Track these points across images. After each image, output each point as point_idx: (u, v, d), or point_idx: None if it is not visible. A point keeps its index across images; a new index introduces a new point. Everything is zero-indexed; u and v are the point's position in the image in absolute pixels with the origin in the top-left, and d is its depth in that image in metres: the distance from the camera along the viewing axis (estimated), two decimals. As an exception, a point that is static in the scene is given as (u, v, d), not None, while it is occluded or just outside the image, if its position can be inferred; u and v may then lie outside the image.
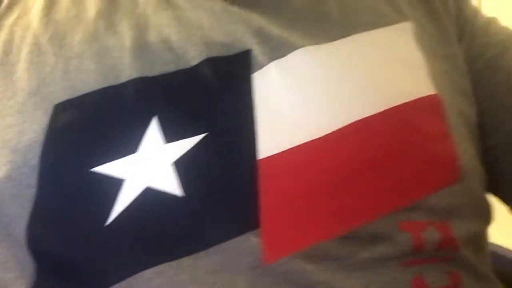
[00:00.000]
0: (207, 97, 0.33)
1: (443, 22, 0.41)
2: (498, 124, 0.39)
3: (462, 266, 0.33)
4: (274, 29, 0.36)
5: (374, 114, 0.33)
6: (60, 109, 0.33)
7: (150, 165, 0.31)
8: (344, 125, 0.33)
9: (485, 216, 0.38)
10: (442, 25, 0.41)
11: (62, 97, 0.33)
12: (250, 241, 0.29)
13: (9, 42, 0.37)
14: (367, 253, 0.30)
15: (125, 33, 0.36)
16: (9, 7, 0.39)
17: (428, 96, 0.36)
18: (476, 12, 0.44)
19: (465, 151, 0.36)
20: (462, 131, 0.37)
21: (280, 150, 0.32)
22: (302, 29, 0.37)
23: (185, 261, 0.29)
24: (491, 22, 0.44)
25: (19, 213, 0.31)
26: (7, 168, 0.32)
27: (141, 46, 0.35)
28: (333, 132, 0.32)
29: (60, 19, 0.37)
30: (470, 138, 0.37)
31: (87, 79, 0.34)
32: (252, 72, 0.34)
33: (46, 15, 0.38)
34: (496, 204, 0.40)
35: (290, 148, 0.32)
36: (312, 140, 0.32)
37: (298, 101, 0.33)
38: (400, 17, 0.40)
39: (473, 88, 0.40)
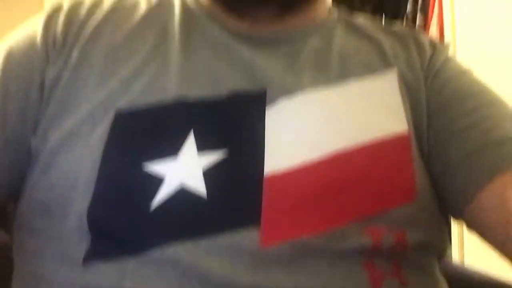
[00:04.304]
0: (231, 123, 0.44)
1: (417, 71, 0.51)
2: (440, 155, 0.47)
3: (407, 262, 0.43)
4: (286, 74, 0.47)
5: (354, 146, 0.44)
6: (121, 115, 0.43)
7: (185, 169, 0.41)
8: (329, 153, 0.43)
9: (437, 229, 0.47)
10: (416, 73, 0.51)
11: (124, 105, 0.43)
12: (252, 233, 0.39)
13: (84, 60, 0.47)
14: (337, 247, 0.40)
15: (174, 60, 0.46)
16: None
17: (400, 134, 0.46)
18: (446, 64, 0.52)
19: (420, 177, 0.45)
20: (419, 161, 0.47)
21: (281, 169, 0.42)
22: (307, 75, 0.48)
23: (203, 241, 0.39)
24: (457, 74, 0.52)
25: (84, 193, 0.40)
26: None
27: (186, 72, 0.46)
28: (321, 158, 0.43)
29: (122, 43, 0.48)
30: (424, 166, 0.47)
31: (145, 94, 0.44)
32: (266, 107, 0.45)
33: (113, 38, 0.48)
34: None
35: (289, 168, 0.42)
36: (305, 163, 0.43)
37: (298, 133, 0.44)
38: (387, 66, 0.51)
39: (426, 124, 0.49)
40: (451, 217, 0.49)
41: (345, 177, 0.43)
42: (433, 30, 1.70)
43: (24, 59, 0.47)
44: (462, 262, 1.35)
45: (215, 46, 0.48)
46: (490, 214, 0.42)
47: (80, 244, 0.40)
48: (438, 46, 0.54)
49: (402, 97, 0.49)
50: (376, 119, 0.47)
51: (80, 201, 0.40)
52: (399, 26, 0.57)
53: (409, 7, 1.86)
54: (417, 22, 1.82)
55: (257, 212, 0.40)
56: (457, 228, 1.28)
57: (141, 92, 0.44)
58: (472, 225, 0.46)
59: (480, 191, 0.43)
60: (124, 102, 0.44)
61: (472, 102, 0.48)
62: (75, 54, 0.46)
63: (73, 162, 0.42)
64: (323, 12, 0.55)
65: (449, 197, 0.46)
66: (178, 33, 0.49)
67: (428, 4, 1.77)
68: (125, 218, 0.40)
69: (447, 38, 1.53)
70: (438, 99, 0.49)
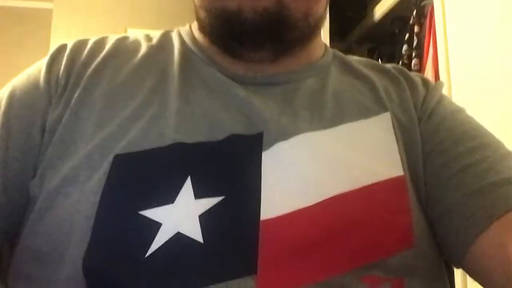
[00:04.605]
0: (227, 167, 0.44)
1: (411, 112, 0.51)
2: (437, 198, 0.47)
3: None
4: (282, 117, 0.47)
5: (350, 191, 0.44)
6: (118, 161, 0.43)
7: (182, 215, 0.41)
8: (325, 198, 0.43)
9: (437, 276, 0.46)
10: (410, 115, 0.51)
11: (121, 151, 0.43)
12: (248, 282, 0.38)
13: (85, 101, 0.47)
14: None
15: (172, 104, 0.47)
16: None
17: (396, 177, 0.46)
18: (440, 104, 0.53)
19: (418, 222, 0.45)
20: (417, 206, 0.46)
21: (277, 215, 0.42)
22: (303, 118, 0.48)
23: None
24: (451, 114, 0.52)
25: (79, 241, 0.40)
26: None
27: (183, 117, 0.46)
28: (317, 204, 0.42)
29: (122, 86, 0.48)
30: (423, 211, 0.47)
31: (142, 140, 0.44)
32: (262, 151, 0.45)
33: (113, 79, 0.48)
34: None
35: (285, 214, 0.42)
36: (301, 209, 0.42)
37: (294, 178, 0.44)
38: (381, 109, 0.51)
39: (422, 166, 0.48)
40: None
41: (341, 223, 0.42)
42: (428, 72, 1.73)
43: (27, 101, 0.47)
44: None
45: (212, 89, 0.49)
46: (489, 259, 0.42)
47: None
48: (431, 86, 0.55)
49: (397, 140, 0.49)
50: (371, 163, 0.46)
51: (75, 248, 0.39)
52: (393, 65, 0.58)
53: (404, 49, 1.90)
54: (413, 64, 1.85)
55: (253, 260, 0.39)
56: (460, 275, 1.25)
57: (138, 137, 0.44)
58: (471, 272, 0.45)
59: (479, 236, 0.42)
60: (121, 147, 0.43)
61: (468, 144, 0.48)
62: (76, 95, 0.47)
63: (70, 209, 0.41)
64: (318, 52, 0.56)
65: (448, 244, 0.46)
66: (177, 76, 0.49)
67: (423, 46, 1.81)
68: (120, 266, 0.39)
69: (442, 79, 1.55)
70: (433, 141, 0.49)
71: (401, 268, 0.42)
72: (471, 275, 0.46)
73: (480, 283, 0.44)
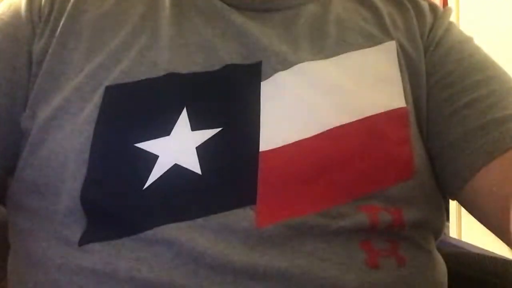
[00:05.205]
0: (225, 98, 0.43)
1: (417, 41, 0.49)
2: (439, 132, 0.46)
3: (404, 240, 0.43)
4: (281, 45, 0.45)
5: (351, 122, 0.43)
6: (111, 92, 0.42)
7: (179, 147, 0.40)
8: (326, 129, 0.42)
9: (435, 207, 0.47)
10: (416, 43, 0.49)
11: (113, 82, 0.42)
12: (247, 212, 0.39)
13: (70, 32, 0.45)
14: (333, 226, 0.40)
15: (164, 31, 0.45)
16: None
17: (398, 108, 0.45)
18: (448, 33, 0.50)
19: (419, 154, 0.45)
20: (418, 138, 0.45)
21: (276, 146, 0.41)
22: (304, 46, 0.46)
23: (198, 221, 0.38)
24: (459, 44, 0.50)
25: (75, 173, 0.40)
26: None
27: (177, 45, 0.44)
28: (317, 135, 0.42)
29: (110, 12, 0.46)
30: (423, 143, 0.46)
31: (135, 70, 0.43)
32: (261, 81, 0.43)
33: (101, 5, 0.46)
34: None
35: (284, 145, 0.41)
36: (301, 140, 0.41)
37: (293, 108, 0.43)
38: (386, 37, 0.49)
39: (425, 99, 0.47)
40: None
41: (341, 153, 0.42)
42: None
43: (10, 32, 0.45)
44: (460, 238, 1.36)
45: (207, 15, 0.46)
46: (487, 195, 0.42)
47: (75, 225, 0.39)
48: (439, 12, 0.52)
49: (401, 70, 0.47)
50: (373, 94, 0.45)
51: (72, 181, 0.40)
52: None
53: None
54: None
55: (253, 190, 0.39)
56: (455, 204, 1.28)
57: (130, 68, 0.43)
58: (467, 206, 0.45)
59: (478, 172, 0.42)
60: (113, 78, 0.42)
61: (474, 77, 0.46)
62: (61, 23, 0.45)
63: (63, 141, 0.41)
64: None
65: (447, 177, 0.45)
66: (168, 1, 0.47)
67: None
68: (119, 199, 0.39)
69: (450, 4, 1.49)
70: (439, 73, 0.48)
71: (400, 199, 0.42)
72: (466, 209, 0.46)
73: (475, 217, 0.45)
